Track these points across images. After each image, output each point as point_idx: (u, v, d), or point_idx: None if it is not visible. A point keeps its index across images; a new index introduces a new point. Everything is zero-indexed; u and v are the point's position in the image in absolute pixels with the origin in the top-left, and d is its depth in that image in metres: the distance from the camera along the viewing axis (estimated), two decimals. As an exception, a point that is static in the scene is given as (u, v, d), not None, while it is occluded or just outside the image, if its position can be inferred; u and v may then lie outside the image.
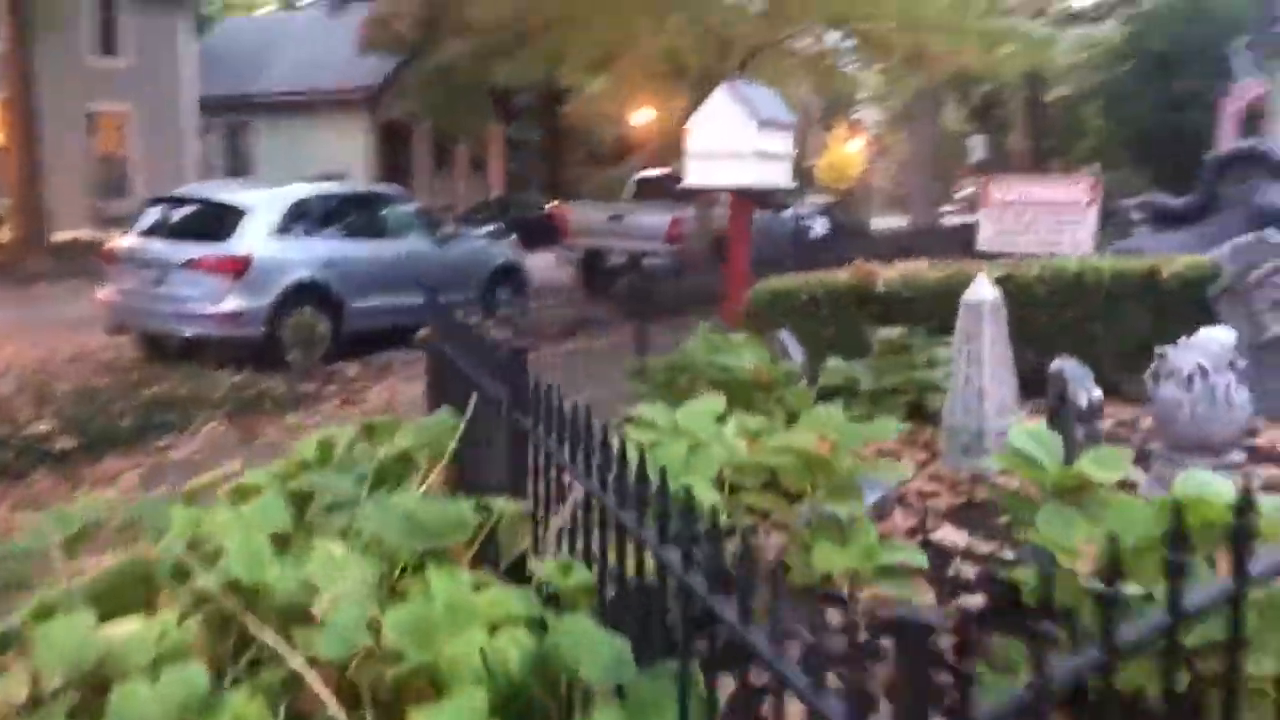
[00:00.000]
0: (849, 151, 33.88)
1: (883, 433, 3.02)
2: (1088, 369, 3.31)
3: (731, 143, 6.20)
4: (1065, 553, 2.44)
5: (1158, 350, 4.02)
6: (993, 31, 12.69)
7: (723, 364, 4.32)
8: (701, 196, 14.32)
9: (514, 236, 14.90)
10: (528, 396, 3.06)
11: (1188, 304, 5.45)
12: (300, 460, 3.44)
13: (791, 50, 14.77)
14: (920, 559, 2.93)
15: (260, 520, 2.60)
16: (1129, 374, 5.57)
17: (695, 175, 6.37)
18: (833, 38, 15.11)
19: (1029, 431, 2.86)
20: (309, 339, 9.54)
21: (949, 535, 3.71)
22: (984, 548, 3.64)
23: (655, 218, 15.22)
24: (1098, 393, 3.00)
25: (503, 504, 2.66)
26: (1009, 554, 3.61)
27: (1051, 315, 5.55)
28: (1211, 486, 2.42)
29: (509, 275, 12.84)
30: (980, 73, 15.86)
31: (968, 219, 24.66)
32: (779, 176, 6.35)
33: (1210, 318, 5.34)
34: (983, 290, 4.41)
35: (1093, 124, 27.92)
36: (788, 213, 18.13)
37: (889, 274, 5.90)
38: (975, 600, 3.04)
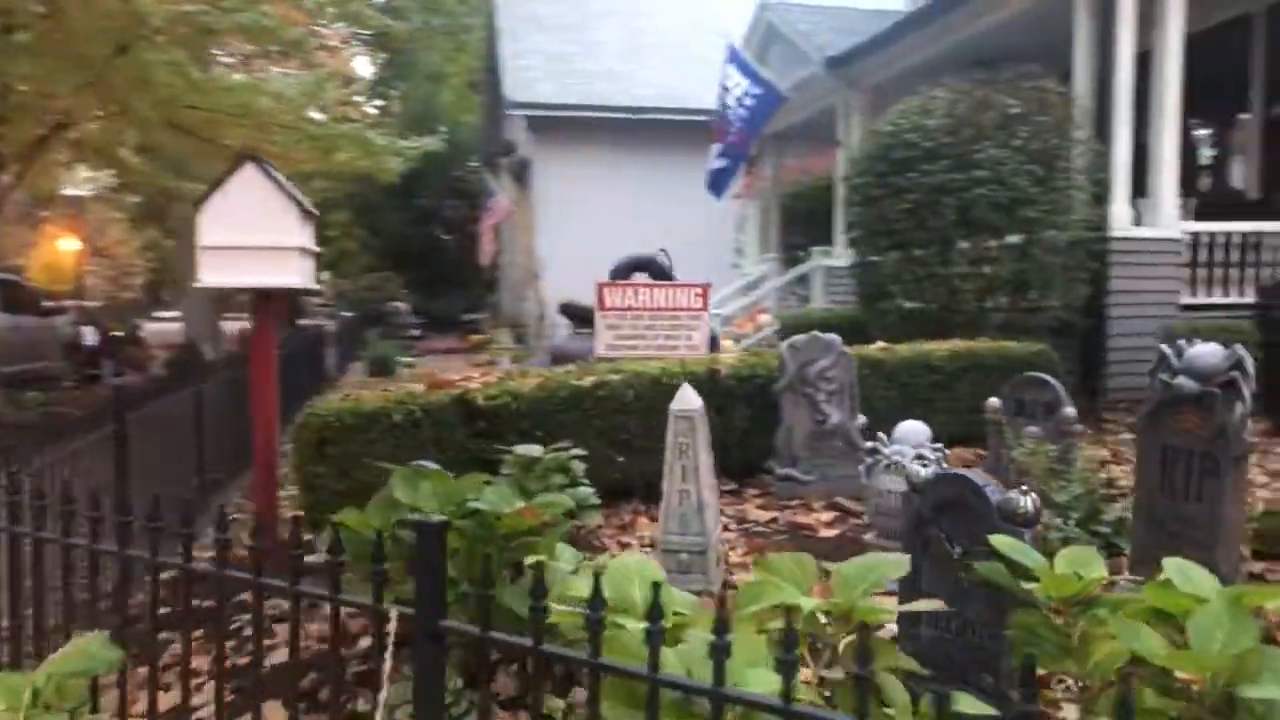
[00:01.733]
0: (64, 251, 30.15)
1: (896, 568, 2.71)
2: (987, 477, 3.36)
3: (270, 235, 5.10)
4: (1195, 666, 2.35)
5: (869, 445, 4.29)
6: (330, 135, 12.47)
7: (471, 508, 3.49)
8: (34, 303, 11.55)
9: None
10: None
11: (741, 398, 5.92)
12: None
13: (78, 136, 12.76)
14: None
15: None
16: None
17: (216, 273, 5.08)
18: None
19: (1006, 542, 2.82)
20: None
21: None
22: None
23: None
24: (1034, 496, 3.08)
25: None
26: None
27: (640, 419, 5.57)
28: (1192, 572, 2.61)
29: None
30: (315, 174, 15.42)
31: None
32: (312, 277, 5.40)
33: (770, 410, 5.88)
34: (691, 399, 4.25)
35: (338, 231, 28.90)
36: (62, 319, 15.44)
37: (474, 386, 5.36)
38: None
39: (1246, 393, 3.51)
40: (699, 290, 5.39)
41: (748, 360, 6.03)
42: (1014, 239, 8.34)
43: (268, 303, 5.45)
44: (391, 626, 2.20)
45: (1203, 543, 3.65)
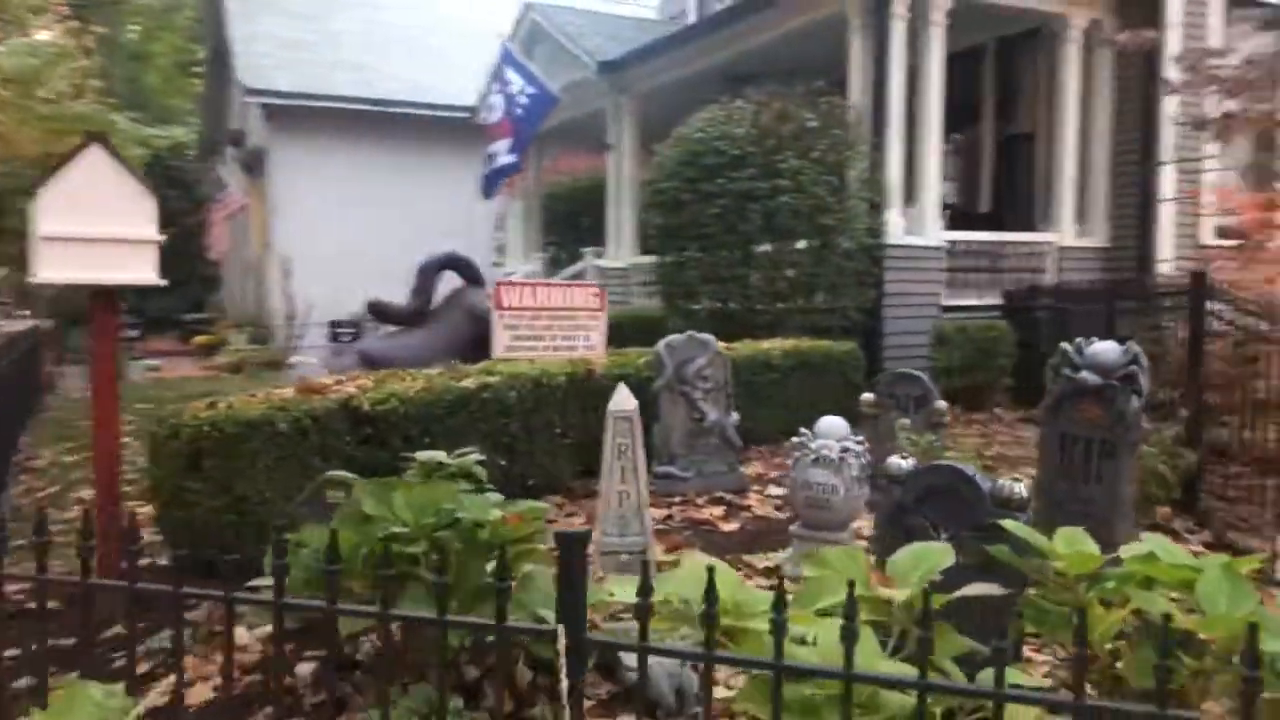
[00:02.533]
0: None
1: (944, 557, 2.84)
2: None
3: (122, 226, 4.57)
4: (1220, 627, 2.60)
5: (796, 439, 4.44)
6: (65, 117, 11.22)
7: (451, 518, 3.30)
8: None
9: None
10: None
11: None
12: None
13: None
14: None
15: None
16: (573, 472, 5.82)
17: (56, 266, 4.49)
18: None
19: (1015, 526, 3.04)
20: None
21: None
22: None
23: None
24: (1026, 483, 3.31)
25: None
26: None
27: (522, 422, 5.45)
28: (1168, 546, 2.96)
29: None
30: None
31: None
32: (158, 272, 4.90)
33: (650, 407, 5.92)
34: (628, 400, 4.22)
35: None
36: None
37: (350, 389, 5.02)
38: None
39: (1144, 384, 3.98)
40: (595, 291, 5.34)
41: (617, 360, 6.04)
42: (802, 244, 8.86)
43: (110, 302, 4.86)
44: (562, 645, 2.06)
45: (1101, 518, 4.09)
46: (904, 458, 3.54)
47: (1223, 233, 10.58)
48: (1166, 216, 10.29)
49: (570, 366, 5.68)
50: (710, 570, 2.08)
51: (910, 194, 9.92)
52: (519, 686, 3.35)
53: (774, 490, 5.74)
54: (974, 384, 9.04)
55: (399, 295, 8.74)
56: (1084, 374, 4.06)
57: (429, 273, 8.75)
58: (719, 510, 5.35)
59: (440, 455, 4.50)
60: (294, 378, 8.60)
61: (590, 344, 5.35)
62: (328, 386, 5.04)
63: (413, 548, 3.21)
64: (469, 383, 5.25)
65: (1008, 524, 3.03)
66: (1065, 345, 4.19)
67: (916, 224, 9.85)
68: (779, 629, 2.03)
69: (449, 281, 9.13)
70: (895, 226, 9.63)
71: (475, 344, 8.34)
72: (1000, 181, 12.21)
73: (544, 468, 5.59)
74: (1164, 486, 4.89)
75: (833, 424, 4.40)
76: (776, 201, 8.58)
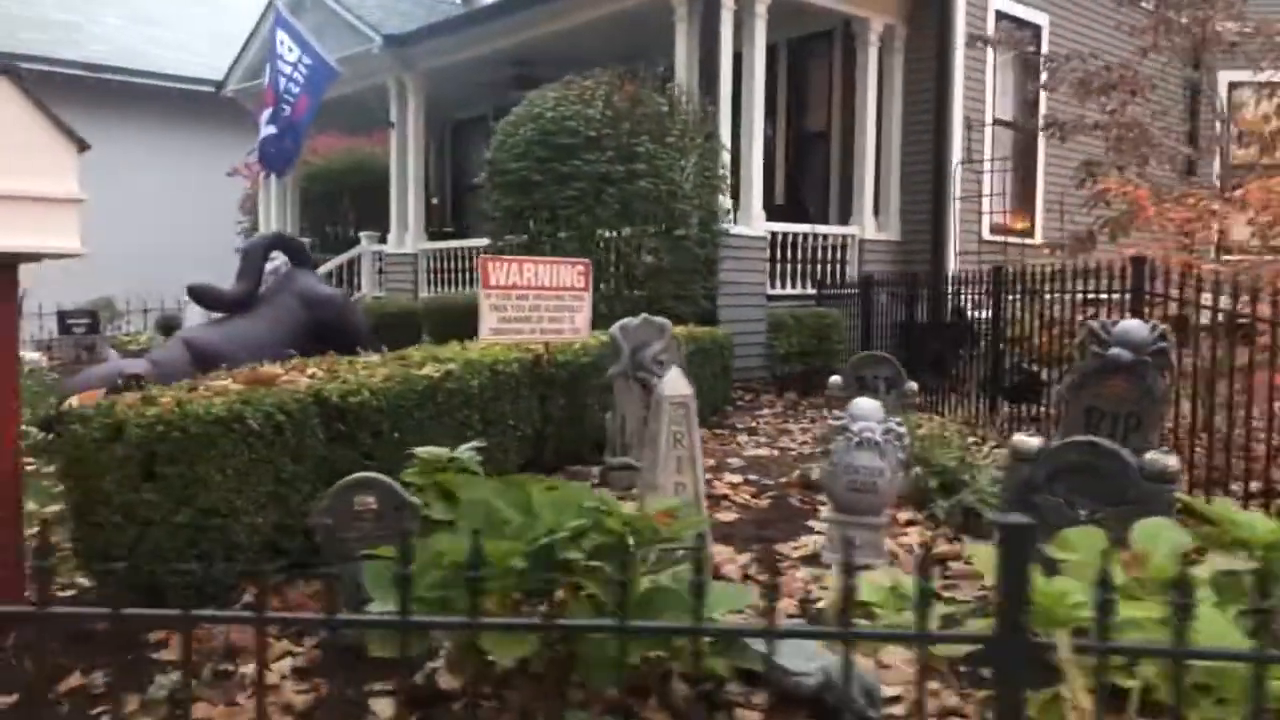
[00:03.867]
0: None
1: (1178, 534, 2.77)
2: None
3: (29, 179, 3.64)
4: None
5: (833, 423, 4.24)
6: None
7: (598, 518, 2.85)
8: None
9: None
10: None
11: (559, 386, 5.48)
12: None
13: None
14: None
15: None
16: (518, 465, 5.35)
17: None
18: None
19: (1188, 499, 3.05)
20: None
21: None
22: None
23: None
24: (1175, 456, 3.30)
25: None
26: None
27: (482, 412, 4.89)
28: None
29: None
30: None
31: None
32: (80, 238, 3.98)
33: (581, 397, 5.53)
34: (683, 384, 3.86)
35: None
36: None
37: (305, 381, 4.26)
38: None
39: (1174, 359, 4.16)
40: (581, 268, 4.86)
41: (563, 347, 5.58)
42: (652, 230, 8.71)
43: (11, 276, 3.84)
44: (1066, 654, 1.75)
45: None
46: (1031, 435, 3.47)
47: (997, 228, 11.61)
48: (955, 213, 11.07)
49: (521, 352, 5.18)
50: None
51: (736, 184, 10.03)
52: (675, 705, 2.95)
53: (730, 477, 5.53)
54: (810, 369, 9.27)
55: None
56: (1115, 350, 4.18)
57: (255, 254, 7.77)
58: (698, 501, 5.06)
59: (441, 451, 3.94)
60: (74, 382, 7.35)
61: (576, 326, 4.89)
62: (277, 376, 4.26)
63: (572, 552, 2.73)
64: (430, 370, 4.64)
65: (1184, 498, 3.03)
66: (1092, 323, 4.31)
67: (744, 214, 9.98)
68: (1179, 612, 1.84)
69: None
70: (730, 216, 9.70)
71: (313, 332, 7.51)
72: (793, 177, 12.64)
73: (498, 462, 5.04)
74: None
75: (868, 405, 4.26)
76: (635, 186, 8.37)
